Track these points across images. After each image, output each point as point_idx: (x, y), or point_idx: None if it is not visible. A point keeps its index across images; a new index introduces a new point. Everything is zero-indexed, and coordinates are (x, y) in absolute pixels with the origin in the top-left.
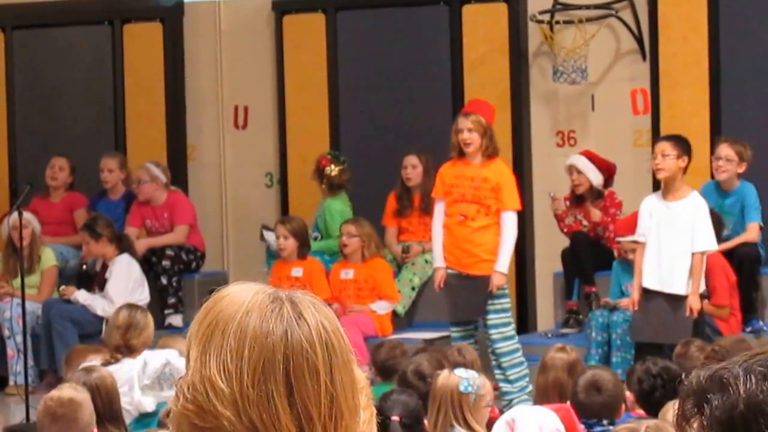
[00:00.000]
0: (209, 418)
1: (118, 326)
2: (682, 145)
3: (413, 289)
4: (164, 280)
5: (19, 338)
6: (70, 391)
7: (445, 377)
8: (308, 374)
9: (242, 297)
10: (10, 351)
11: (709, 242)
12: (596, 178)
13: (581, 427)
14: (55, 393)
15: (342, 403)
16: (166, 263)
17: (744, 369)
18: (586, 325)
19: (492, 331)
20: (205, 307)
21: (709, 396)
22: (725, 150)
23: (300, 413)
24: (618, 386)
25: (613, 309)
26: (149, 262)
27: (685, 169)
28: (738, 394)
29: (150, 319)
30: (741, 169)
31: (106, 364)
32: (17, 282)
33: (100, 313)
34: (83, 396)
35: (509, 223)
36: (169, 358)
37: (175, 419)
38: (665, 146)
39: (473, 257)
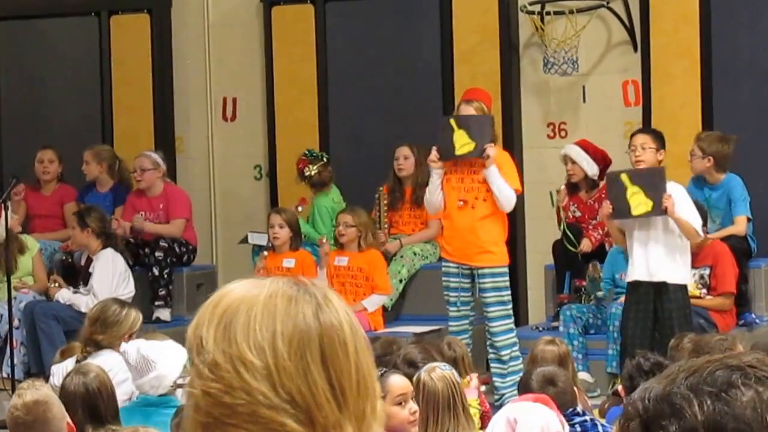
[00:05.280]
0: (240, 395)
1: (88, 319)
2: (661, 139)
3: (401, 281)
4: (156, 271)
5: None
6: (31, 393)
7: (437, 374)
8: (340, 349)
9: (257, 285)
10: (15, 342)
11: (696, 222)
12: (590, 167)
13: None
14: (17, 400)
15: (369, 381)
16: (159, 254)
17: (692, 390)
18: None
19: (493, 324)
20: (214, 297)
21: (663, 422)
22: (693, 145)
23: (335, 386)
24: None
25: (601, 300)
26: (139, 254)
27: (660, 162)
28: (695, 417)
29: (125, 316)
30: (709, 163)
31: (80, 359)
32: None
33: (84, 309)
34: (45, 392)
35: (509, 189)
36: (138, 344)
37: (194, 401)
38: (646, 139)
39: (476, 248)
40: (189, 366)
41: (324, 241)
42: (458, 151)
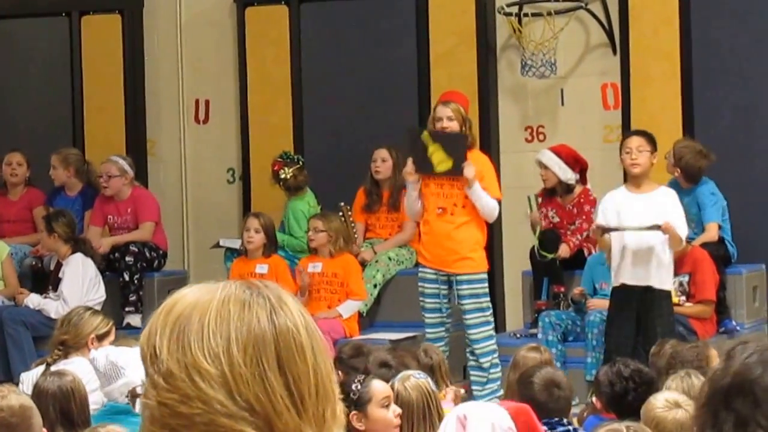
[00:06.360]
0: (197, 404)
1: (58, 323)
2: (654, 141)
3: (375, 286)
4: (126, 276)
5: None
6: (14, 397)
7: (412, 383)
8: (297, 353)
9: (209, 290)
10: None
11: (683, 230)
12: (563, 172)
13: (543, 427)
14: (1, 402)
15: (328, 384)
16: (129, 259)
17: (757, 350)
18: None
19: (473, 330)
20: (166, 304)
21: (717, 369)
22: (671, 148)
23: (293, 392)
24: (569, 382)
25: (584, 301)
26: (110, 259)
27: (652, 165)
28: (727, 370)
29: (89, 316)
30: (677, 173)
31: (50, 363)
32: None
33: (53, 315)
34: (26, 398)
35: (491, 200)
36: (107, 351)
37: (150, 412)
38: (641, 141)
39: (454, 254)
40: (144, 376)
41: (301, 270)
42: (437, 169)
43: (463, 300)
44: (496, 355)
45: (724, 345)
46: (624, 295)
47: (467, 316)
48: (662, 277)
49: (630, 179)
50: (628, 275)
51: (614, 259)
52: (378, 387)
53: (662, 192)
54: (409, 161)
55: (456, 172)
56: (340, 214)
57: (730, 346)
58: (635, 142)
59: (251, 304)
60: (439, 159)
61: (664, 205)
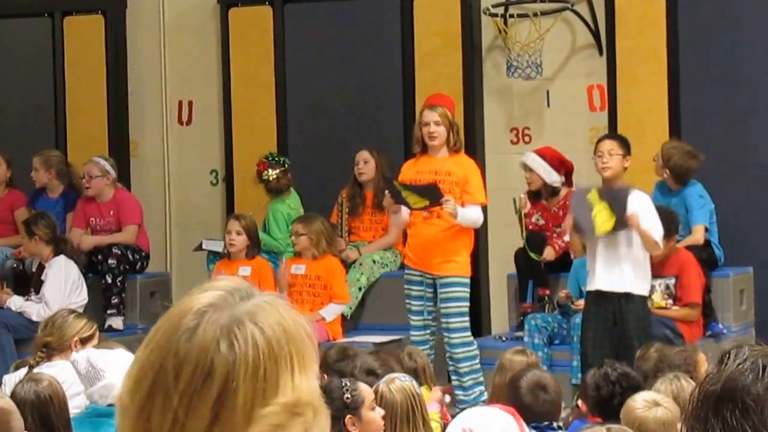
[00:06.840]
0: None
1: (40, 326)
2: (627, 145)
3: (360, 289)
4: (109, 279)
5: None
6: None
7: (396, 385)
8: (170, 389)
9: (196, 296)
10: None
11: (658, 233)
12: (548, 175)
13: None
14: None
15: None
16: (112, 261)
17: (751, 355)
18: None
19: (452, 335)
20: None
21: (709, 376)
22: (660, 150)
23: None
24: (558, 385)
25: (570, 304)
26: (92, 261)
27: (625, 169)
28: (720, 377)
29: (74, 319)
30: (666, 174)
31: (34, 365)
32: None
33: (35, 318)
34: (8, 401)
35: (476, 212)
36: (88, 353)
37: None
38: (613, 145)
39: (439, 258)
40: None
41: (283, 262)
42: (413, 207)
43: (445, 303)
44: (476, 361)
45: (713, 348)
46: (599, 300)
47: (448, 320)
48: (640, 282)
49: (602, 182)
50: (603, 281)
51: (589, 263)
52: (367, 389)
53: (635, 197)
54: (387, 196)
55: (433, 205)
56: (339, 201)
57: (726, 349)
58: (607, 145)
59: (178, 327)
60: (415, 200)
61: (636, 209)
